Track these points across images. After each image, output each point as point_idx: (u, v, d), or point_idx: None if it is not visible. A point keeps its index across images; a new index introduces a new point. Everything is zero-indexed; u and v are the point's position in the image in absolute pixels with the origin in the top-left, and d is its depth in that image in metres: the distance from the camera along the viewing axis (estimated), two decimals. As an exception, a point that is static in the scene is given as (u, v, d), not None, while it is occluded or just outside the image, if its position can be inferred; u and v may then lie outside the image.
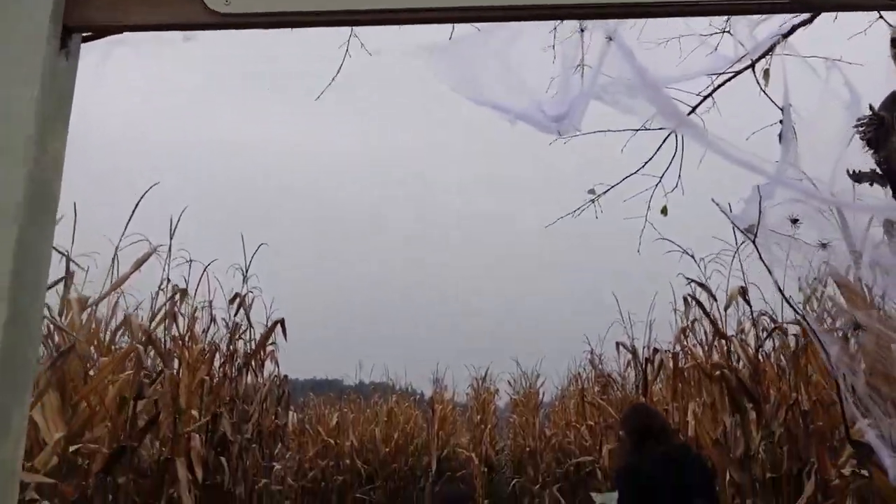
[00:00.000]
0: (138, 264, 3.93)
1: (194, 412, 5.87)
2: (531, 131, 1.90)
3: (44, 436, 3.36)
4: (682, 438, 6.89)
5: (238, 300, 5.54)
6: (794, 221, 1.84)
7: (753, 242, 1.67)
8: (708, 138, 1.97)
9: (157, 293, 4.10)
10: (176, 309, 4.70)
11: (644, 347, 7.73)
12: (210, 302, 6.26)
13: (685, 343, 7.96)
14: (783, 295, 1.83)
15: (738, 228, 1.71)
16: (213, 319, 6.46)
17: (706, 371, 5.37)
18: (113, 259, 3.90)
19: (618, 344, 8.43)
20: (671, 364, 7.19)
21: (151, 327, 3.97)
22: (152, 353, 4.24)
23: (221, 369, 6.29)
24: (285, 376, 9.29)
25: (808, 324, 3.16)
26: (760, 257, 1.68)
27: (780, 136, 2.08)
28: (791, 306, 2.31)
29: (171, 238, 4.28)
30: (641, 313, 7.92)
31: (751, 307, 4.47)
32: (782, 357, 5.87)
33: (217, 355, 6.24)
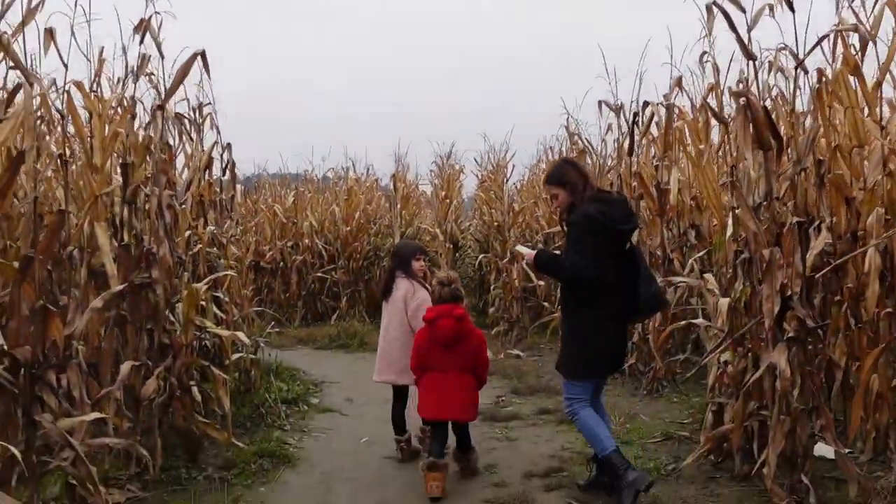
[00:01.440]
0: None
1: (116, 177, 4.97)
2: None
3: None
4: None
5: (143, 26, 4.39)
6: None
7: None
8: None
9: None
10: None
11: (632, 102, 6.82)
12: (124, 48, 5.11)
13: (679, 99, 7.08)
14: None
15: None
16: (133, 75, 5.33)
17: (716, 113, 4.51)
18: None
19: (600, 103, 7.50)
20: (664, 117, 6.36)
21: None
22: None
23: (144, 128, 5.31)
24: (228, 144, 8.25)
25: None
26: None
27: None
28: None
29: None
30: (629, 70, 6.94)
31: (794, 13, 3.50)
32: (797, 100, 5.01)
33: (139, 110, 5.21)
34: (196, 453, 4.81)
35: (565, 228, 4.17)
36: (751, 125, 3.64)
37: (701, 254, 6.95)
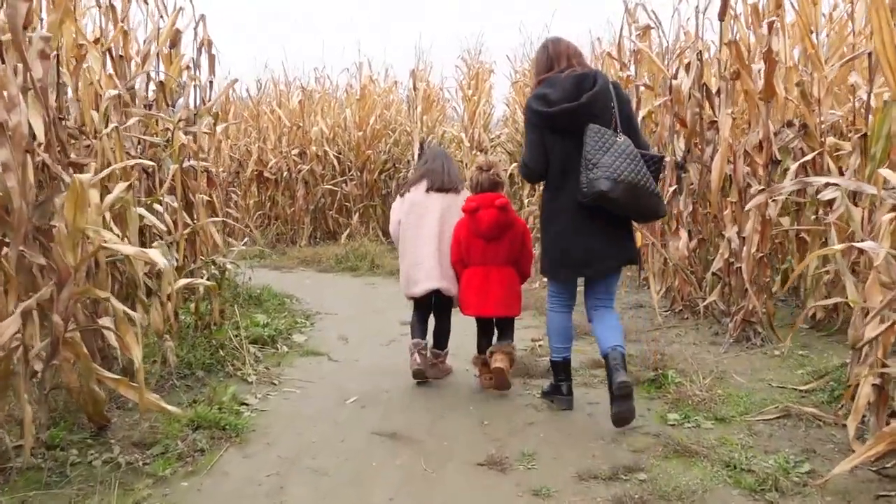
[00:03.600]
0: None
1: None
2: None
3: None
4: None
5: None
6: None
7: None
8: None
9: None
10: None
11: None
12: None
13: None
14: None
15: None
16: None
17: None
18: None
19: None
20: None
21: None
22: None
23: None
24: (202, 16, 6.63)
25: None
26: None
27: None
28: None
29: None
30: None
31: None
32: None
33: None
34: (104, 424, 3.35)
35: None
36: None
37: (806, 158, 5.21)
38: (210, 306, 4.72)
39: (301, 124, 11.70)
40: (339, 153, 11.86)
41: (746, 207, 4.45)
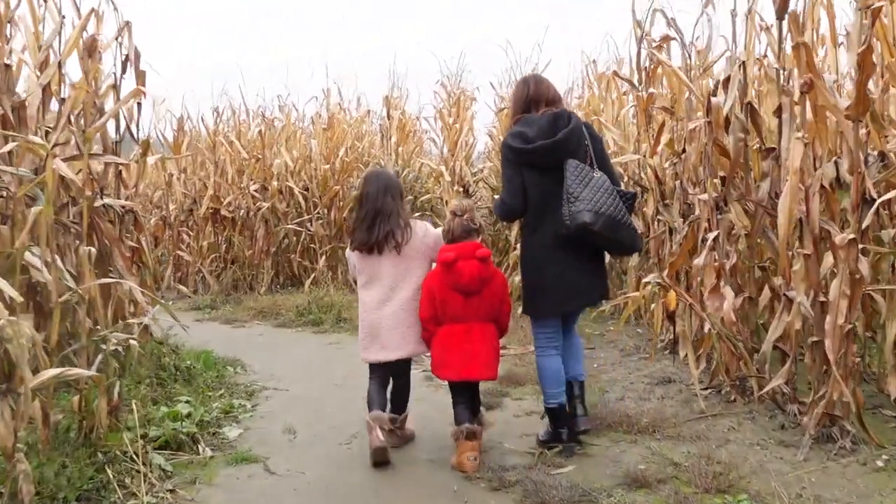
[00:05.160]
0: None
1: None
2: None
3: None
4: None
5: None
6: None
7: None
8: None
9: None
10: None
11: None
12: None
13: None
14: None
15: None
16: None
17: None
18: None
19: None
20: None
21: None
22: None
23: None
24: (127, 22, 5.58)
25: None
26: None
27: None
28: None
29: None
30: None
31: None
32: None
33: None
34: None
35: None
36: None
37: (890, 195, 4.02)
38: (94, 403, 3.39)
39: (261, 156, 10.43)
40: (305, 188, 10.61)
41: None
